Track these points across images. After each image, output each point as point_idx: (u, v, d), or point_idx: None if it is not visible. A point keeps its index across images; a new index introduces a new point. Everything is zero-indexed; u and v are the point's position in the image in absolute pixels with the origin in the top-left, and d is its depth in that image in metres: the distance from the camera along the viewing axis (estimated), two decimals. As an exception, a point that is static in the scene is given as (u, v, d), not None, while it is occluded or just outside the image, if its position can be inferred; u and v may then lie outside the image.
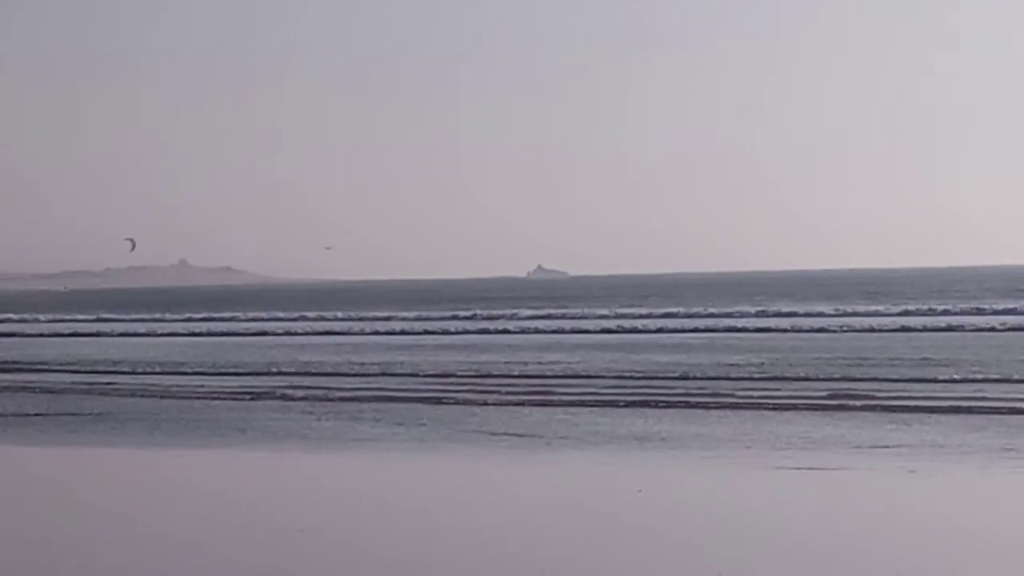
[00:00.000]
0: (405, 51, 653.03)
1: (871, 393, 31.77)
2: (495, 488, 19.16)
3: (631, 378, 37.85)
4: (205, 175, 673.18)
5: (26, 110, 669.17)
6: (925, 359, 42.21)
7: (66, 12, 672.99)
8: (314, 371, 43.48)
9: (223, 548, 14.49)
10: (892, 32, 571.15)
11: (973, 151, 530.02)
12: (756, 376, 37.53)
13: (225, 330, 79.10)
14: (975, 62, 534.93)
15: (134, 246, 55.58)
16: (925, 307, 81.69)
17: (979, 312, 75.03)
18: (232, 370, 44.85)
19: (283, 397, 34.13)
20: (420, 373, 41.32)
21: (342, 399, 33.29)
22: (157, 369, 45.78)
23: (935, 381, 35.09)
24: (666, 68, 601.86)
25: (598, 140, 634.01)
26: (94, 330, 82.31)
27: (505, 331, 70.15)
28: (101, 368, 47.42)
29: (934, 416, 26.94)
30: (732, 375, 37.97)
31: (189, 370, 45.35)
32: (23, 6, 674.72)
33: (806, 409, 28.79)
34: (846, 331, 61.15)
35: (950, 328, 61.21)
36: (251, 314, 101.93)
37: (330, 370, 43.57)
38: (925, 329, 61.11)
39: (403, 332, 71.33)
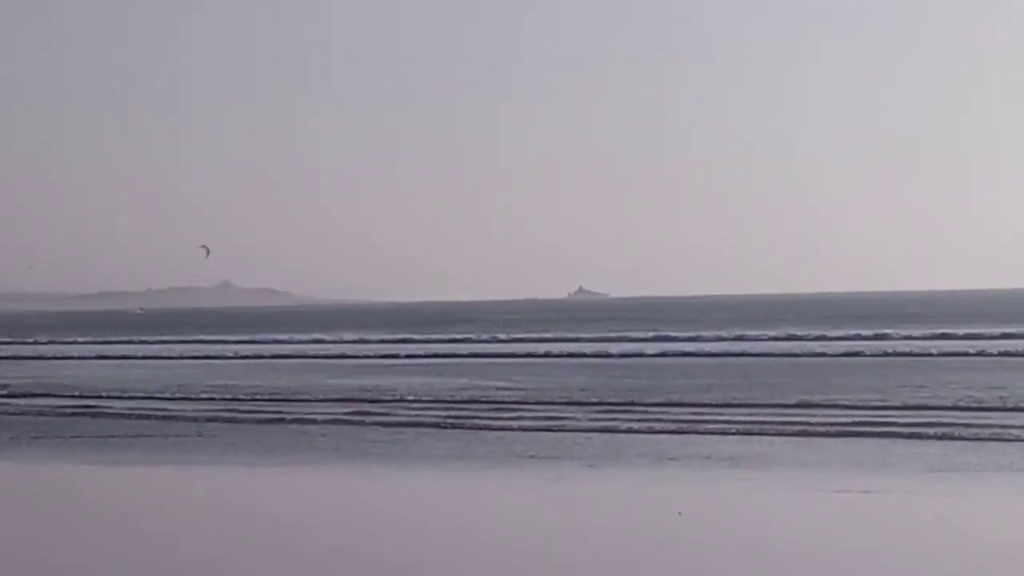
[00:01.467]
0: (444, 71, 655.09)
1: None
2: (528, 507, 19.43)
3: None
4: (248, 196, 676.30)
5: (65, 132, 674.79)
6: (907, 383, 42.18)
7: (104, 38, 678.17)
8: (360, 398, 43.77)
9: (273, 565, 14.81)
10: (931, 51, 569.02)
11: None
12: (731, 402, 37.54)
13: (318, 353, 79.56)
14: (1010, 78, 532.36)
15: (208, 253, 55.92)
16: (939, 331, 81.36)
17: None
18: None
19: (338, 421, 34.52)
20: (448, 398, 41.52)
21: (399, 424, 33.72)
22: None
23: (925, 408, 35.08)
24: (710, 89, 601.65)
25: (642, 162, 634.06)
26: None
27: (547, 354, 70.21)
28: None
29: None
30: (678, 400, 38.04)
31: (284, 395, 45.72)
32: (62, 35, 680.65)
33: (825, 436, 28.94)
34: (888, 355, 61.02)
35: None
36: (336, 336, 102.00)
37: (387, 396, 43.66)
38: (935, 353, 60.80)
39: (435, 355, 71.61)
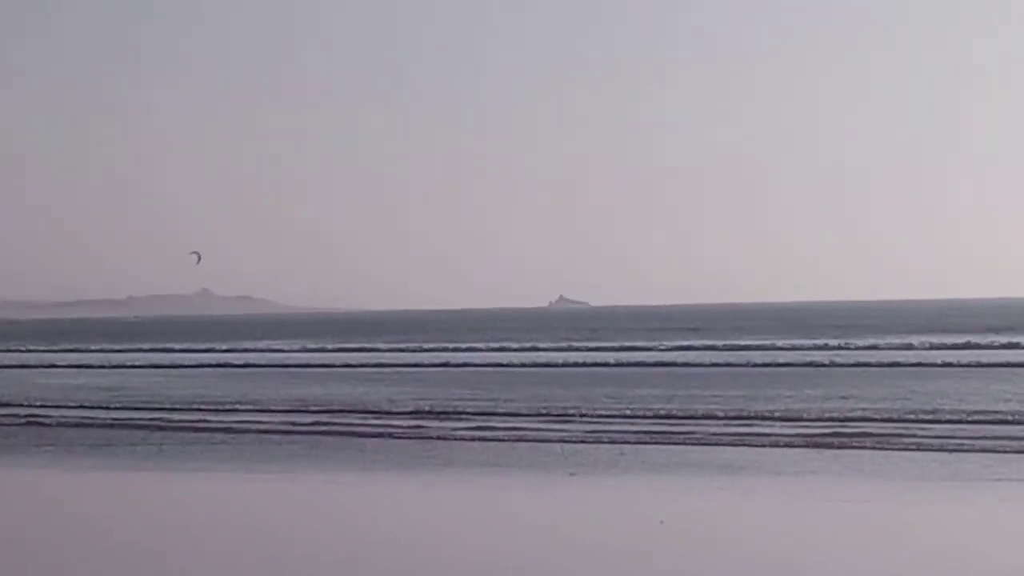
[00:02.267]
0: (423, 81, 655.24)
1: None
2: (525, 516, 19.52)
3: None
4: (227, 204, 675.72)
5: (44, 138, 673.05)
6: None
7: (88, 42, 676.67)
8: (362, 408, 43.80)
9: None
10: (920, 61, 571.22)
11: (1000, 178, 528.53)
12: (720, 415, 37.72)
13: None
14: (1003, 86, 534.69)
15: (200, 259, 55.75)
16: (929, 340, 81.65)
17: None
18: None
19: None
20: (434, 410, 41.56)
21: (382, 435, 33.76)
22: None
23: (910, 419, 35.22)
24: (687, 96, 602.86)
25: (623, 171, 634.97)
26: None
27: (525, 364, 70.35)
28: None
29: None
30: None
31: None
32: (48, 40, 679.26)
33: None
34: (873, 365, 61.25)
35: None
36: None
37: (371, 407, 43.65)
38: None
39: (417, 365, 71.71)
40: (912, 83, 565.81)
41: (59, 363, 79.47)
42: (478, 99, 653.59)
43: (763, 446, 28.59)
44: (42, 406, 43.30)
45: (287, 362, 76.93)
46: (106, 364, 77.50)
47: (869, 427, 31.65)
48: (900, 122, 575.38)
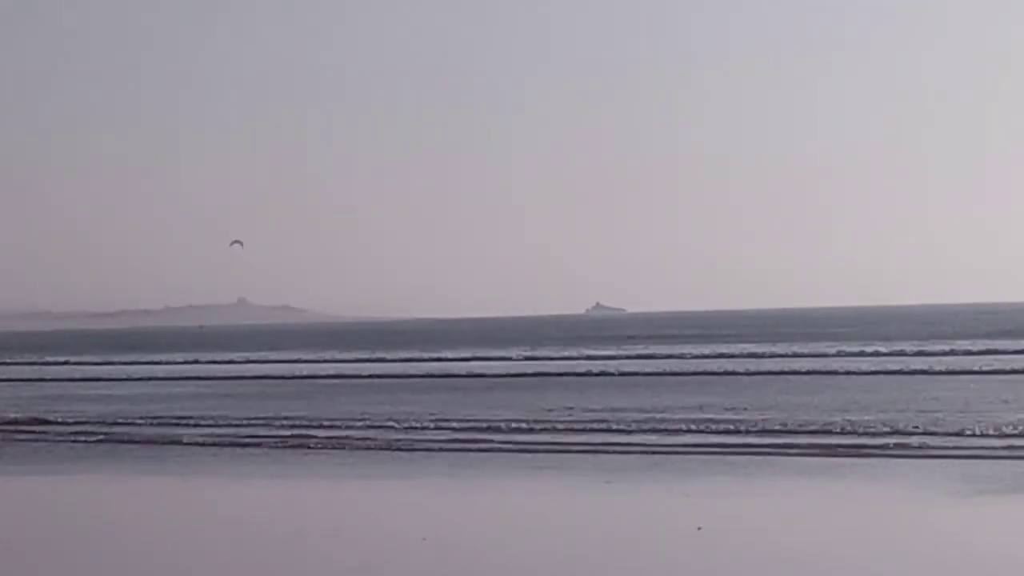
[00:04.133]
0: (459, 88, 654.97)
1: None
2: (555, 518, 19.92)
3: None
4: (264, 212, 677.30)
5: (80, 149, 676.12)
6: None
7: (118, 54, 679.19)
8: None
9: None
10: (950, 62, 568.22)
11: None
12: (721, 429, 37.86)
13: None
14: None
15: (242, 245, 55.67)
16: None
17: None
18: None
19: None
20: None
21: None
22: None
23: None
24: (725, 101, 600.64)
25: (657, 175, 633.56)
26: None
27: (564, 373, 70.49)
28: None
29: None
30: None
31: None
32: (73, 46, 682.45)
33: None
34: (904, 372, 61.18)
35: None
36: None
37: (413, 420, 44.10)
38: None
39: (448, 375, 71.97)
40: (940, 82, 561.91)
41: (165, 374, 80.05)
42: (515, 105, 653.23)
43: (798, 455, 28.87)
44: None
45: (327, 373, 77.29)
46: (182, 376, 77.31)
47: (899, 439, 31.73)
48: (933, 122, 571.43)
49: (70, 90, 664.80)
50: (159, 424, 41.33)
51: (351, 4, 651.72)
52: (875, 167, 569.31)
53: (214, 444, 34.44)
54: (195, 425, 40.37)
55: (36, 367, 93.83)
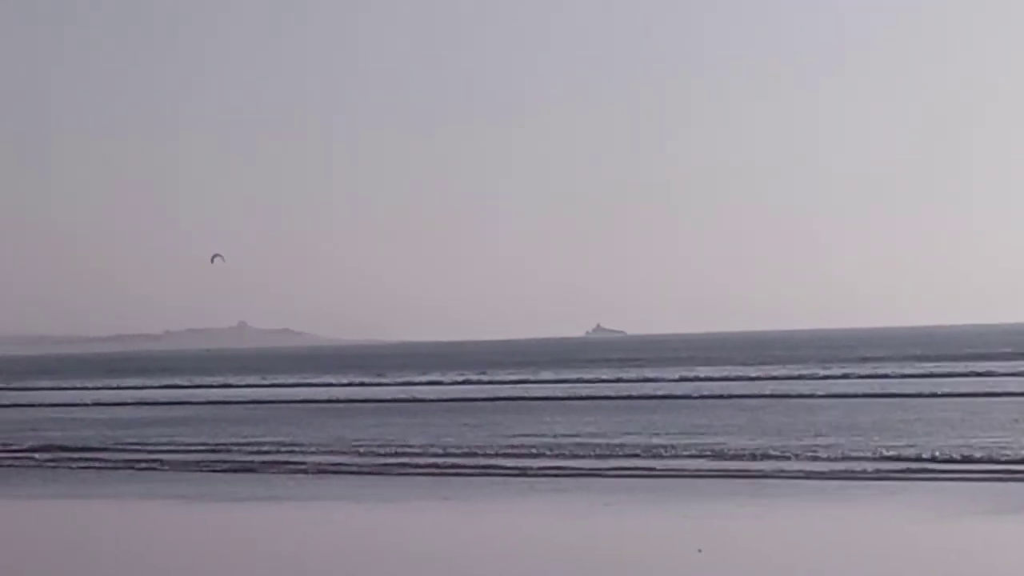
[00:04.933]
0: (456, 105, 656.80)
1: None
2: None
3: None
4: (262, 235, 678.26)
5: (78, 172, 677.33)
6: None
7: (110, 82, 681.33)
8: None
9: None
10: (945, 80, 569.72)
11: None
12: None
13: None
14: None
15: (223, 259, 55.12)
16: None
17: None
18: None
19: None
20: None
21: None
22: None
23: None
24: (723, 122, 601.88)
25: (657, 198, 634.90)
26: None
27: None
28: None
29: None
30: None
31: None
32: (71, 74, 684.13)
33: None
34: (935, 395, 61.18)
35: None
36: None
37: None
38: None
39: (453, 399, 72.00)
40: (938, 100, 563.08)
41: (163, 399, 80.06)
42: (514, 124, 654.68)
43: (796, 478, 28.86)
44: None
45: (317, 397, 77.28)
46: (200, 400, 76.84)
47: (896, 464, 31.76)
48: (933, 139, 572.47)
49: (68, 112, 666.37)
50: (142, 448, 41.24)
51: (351, 29, 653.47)
52: (877, 189, 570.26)
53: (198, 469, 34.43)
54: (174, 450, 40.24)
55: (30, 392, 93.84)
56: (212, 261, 54.17)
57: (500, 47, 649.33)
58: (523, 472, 31.17)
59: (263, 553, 19.88)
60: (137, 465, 35.54)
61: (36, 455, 39.19)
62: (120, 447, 41.68)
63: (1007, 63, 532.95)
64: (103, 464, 36.21)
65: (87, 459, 37.71)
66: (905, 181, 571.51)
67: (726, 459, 32.77)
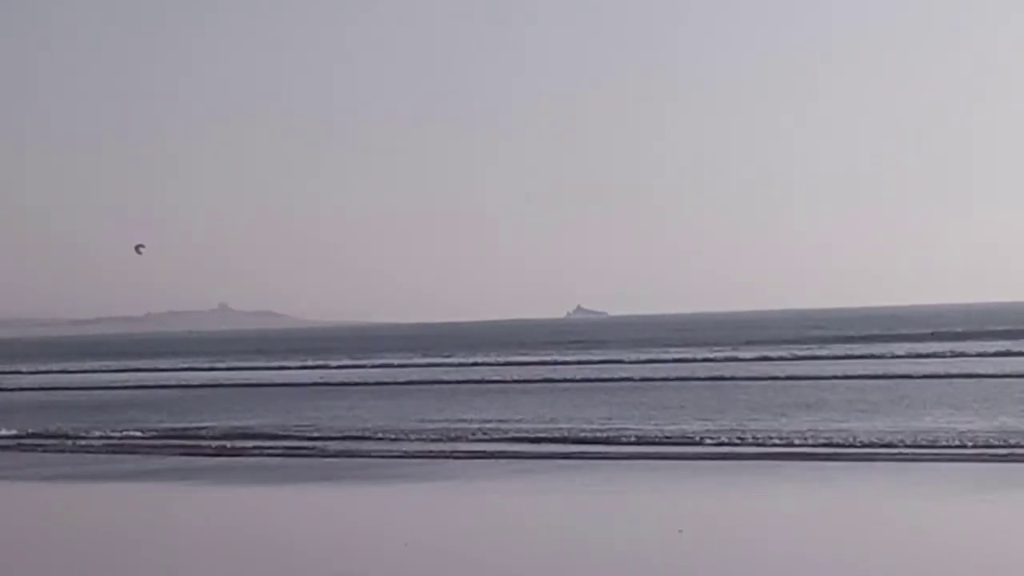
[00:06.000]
0: (438, 94, 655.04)
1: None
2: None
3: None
4: (243, 217, 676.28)
5: (61, 155, 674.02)
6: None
7: (104, 64, 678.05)
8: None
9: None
10: (927, 72, 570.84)
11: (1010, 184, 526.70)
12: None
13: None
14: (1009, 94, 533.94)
15: (140, 249, 54.66)
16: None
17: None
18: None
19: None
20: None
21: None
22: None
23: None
24: (702, 105, 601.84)
25: (638, 179, 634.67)
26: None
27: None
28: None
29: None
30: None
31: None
32: (66, 57, 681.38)
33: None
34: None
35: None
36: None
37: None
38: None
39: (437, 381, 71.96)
40: (926, 89, 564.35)
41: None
42: (493, 110, 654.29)
43: (778, 459, 28.98)
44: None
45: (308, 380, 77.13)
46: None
47: (868, 444, 31.89)
48: (916, 127, 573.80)
49: (42, 95, 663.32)
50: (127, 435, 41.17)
51: (338, 17, 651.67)
52: (857, 171, 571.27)
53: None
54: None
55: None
56: (137, 251, 53.91)
57: (480, 44, 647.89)
58: (503, 455, 31.13)
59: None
60: (95, 449, 35.49)
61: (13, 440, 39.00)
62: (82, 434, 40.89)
63: (993, 46, 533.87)
64: (73, 449, 36.00)
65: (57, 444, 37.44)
66: (890, 165, 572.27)
67: (706, 439, 32.77)
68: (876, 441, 30.80)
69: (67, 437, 38.75)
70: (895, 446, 29.78)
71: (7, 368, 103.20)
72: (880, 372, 60.49)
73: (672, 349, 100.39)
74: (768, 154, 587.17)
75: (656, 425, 37.12)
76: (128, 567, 17.29)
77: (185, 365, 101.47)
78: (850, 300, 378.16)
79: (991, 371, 57.45)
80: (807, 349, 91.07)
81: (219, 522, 22.10)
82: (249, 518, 22.50)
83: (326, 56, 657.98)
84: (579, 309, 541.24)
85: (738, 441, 32.05)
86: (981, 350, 77.67)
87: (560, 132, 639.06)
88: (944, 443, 30.11)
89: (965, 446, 29.61)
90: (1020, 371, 56.44)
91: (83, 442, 37.46)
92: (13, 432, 40.65)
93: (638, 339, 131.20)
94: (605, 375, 67.72)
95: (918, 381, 53.72)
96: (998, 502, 21.51)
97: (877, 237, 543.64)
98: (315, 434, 37.65)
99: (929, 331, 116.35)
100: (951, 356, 74.13)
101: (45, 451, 35.47)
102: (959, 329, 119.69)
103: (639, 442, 32.68)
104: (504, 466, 28.64)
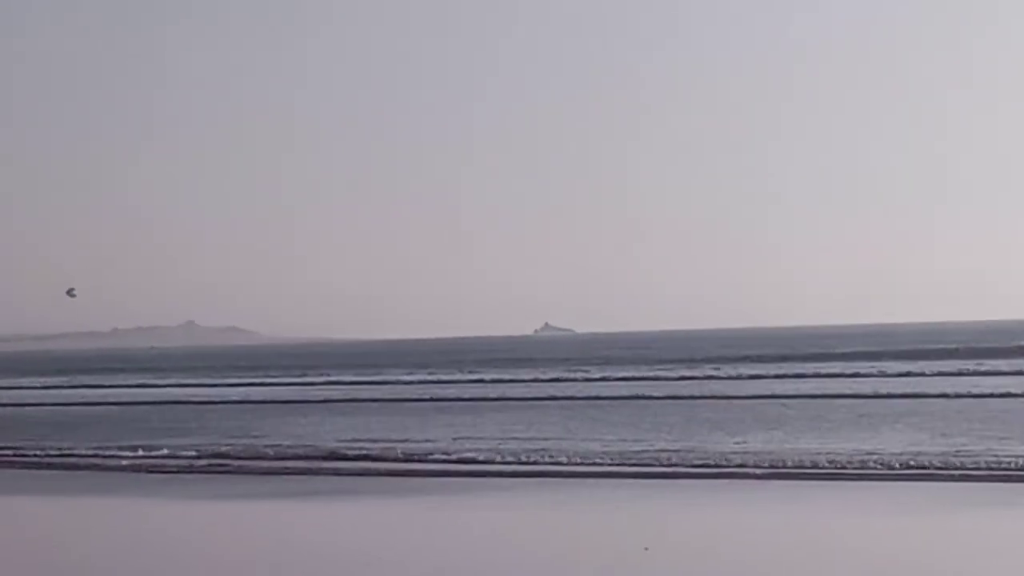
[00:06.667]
0: (407, 108, 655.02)
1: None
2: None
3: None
4: (211, 234, 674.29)
5: (27, 169, 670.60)
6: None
7: (73, 74, 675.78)
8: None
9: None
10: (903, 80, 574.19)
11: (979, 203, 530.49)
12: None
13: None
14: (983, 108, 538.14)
15: (72, 293, 54.46)
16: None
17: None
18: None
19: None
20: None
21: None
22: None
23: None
24: (672, 124, 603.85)
25: (607, 196, 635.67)
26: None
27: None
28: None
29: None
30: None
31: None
32: (31, 72, 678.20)
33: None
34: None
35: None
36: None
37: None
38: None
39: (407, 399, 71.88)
40: (910, 98, 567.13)
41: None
42: (463, 126, 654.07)
43: (743, 477, 29.06)
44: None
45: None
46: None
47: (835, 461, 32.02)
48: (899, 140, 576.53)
49: (14, 104, 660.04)
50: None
51: (310, 23, 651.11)
52: (825, 189, 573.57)
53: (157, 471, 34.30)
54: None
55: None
56: (69, 294, 53.98)
57: (459, 55, 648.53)
58: (467, 473, 31.14)
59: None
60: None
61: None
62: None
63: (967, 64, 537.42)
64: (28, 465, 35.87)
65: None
66: (858, 182, 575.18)
67: (673, 457, 32.84)
68: (836, 461, 30.89)
69: (24, 453, 38.62)
70: (849, 466, 29.91)
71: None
72: (843, 391, 60.76)
73: (633, 367, 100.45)
74: (739, 173, 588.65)
75: (614, 444, 37.15)
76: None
77: (136, 382, 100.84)
78: (821, 318, 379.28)
79: (948, 391, 57.64)
80: (775, 367, 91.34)
81: (173, 538, 22.00)
82: (203, 534, 22.39)
83: (291, 67, 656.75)
84: (547, 326, 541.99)
85: (700, 460, 32.14)
86: (939, 369, 78.04)
87: (531, 148, 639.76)
88: (894, 464, 30.17)
89: (917, 466, 29.72)
90: (982, 391, 56.76)
91: (38, 459, 37.36)
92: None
93: (603, 356, 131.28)
94: (566, 393, 67.63)
95: (882, 400, 53.99)
96: (956, 521, 21.63)
97: (847, 256, 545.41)
98: (275, 452, 37.56)
99: (895, 349, 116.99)
100: (916, 375, 74.50)
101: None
102: (911, 347, 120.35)
103: (602, 461, 32.71)
104: (466, 485, 28.61)
